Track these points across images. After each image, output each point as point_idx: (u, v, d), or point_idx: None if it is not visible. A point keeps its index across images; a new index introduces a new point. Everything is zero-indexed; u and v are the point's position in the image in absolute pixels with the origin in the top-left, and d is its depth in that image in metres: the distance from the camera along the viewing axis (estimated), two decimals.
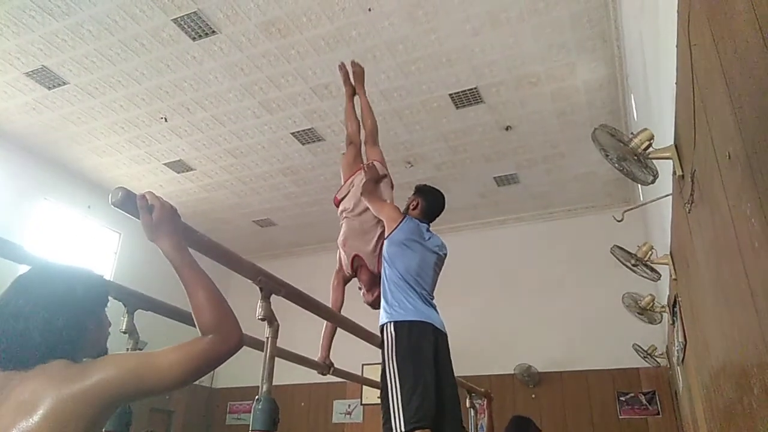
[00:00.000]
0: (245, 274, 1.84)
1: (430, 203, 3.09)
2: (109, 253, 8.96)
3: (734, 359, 2.03)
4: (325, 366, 3.18)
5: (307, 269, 10.21)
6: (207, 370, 1.12)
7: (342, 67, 3.97)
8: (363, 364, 7.56)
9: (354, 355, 4.63)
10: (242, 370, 5.86)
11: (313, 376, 3.49)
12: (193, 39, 5.77)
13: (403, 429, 2.44)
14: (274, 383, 1.77)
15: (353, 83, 3.94)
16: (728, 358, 2.15)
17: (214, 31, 5.66)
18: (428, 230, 3.03)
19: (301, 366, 3.21)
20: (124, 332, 1.94)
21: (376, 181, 3.25)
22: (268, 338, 1.82)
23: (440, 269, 3.04)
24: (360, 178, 3.39)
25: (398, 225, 2.88)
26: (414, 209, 3.07)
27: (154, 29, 5.65)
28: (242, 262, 1.81)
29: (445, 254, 3.07)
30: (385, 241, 2.90)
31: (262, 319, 1.80)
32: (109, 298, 1.33)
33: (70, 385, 1.03)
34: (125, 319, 1.93)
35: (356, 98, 3.94)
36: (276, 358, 1.83)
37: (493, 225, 9.56)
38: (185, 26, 5.59)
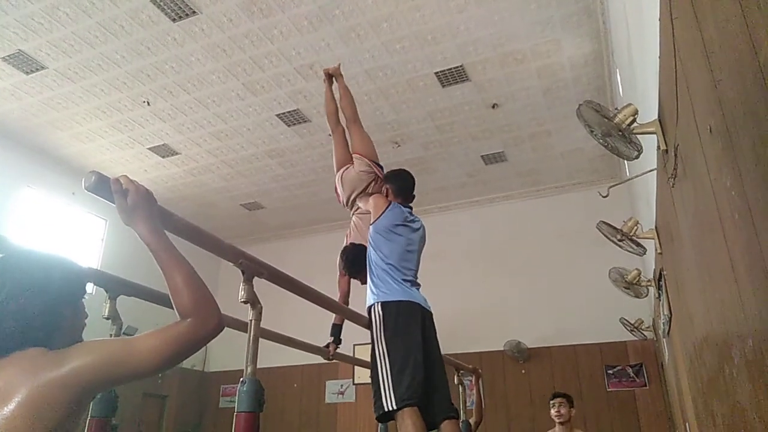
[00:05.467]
0: (226, 257, 1.82)
1: (398, 185, 3.14)
2: (95, 239, 8.88)
3: (716, 330, 2.06)
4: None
5: (299, 252, 10.21)
6: (186, 354, 1.11)
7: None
8: (354, 345, 7.57)
9: (345, 336, 4.66)
10: (234, 354, 5.86)
11: (305, 358, 3.54)
12: (174, 20, 5.66)
13: (394, 406, 2.48)
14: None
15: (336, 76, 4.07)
16: (711, 329, 2.18)
17: (194, 12, 5.54)
18: (411, 213, 3.10)
19: (294, 348, 3.25)
20: (107, 318, 1.92)
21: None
22: (251, 321, 1.81)
23: (422, 250, 3.11)
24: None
25: (383, 212, 2.94)
26: (388, 197, 3.12)
27: (133, 10, 5.53)
28: (222, 245, 1.79)
29: (425, 235, 3.15)
30: (371, 227, 2.94)
31: (245, 302, 1.79)
32: (92, 285, 1.31)
33: (47, 372, 1.02)
34: (107, 305, 1.91)
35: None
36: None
37: (482, 203, 9.58)
38: (165, 7, 5.47)
